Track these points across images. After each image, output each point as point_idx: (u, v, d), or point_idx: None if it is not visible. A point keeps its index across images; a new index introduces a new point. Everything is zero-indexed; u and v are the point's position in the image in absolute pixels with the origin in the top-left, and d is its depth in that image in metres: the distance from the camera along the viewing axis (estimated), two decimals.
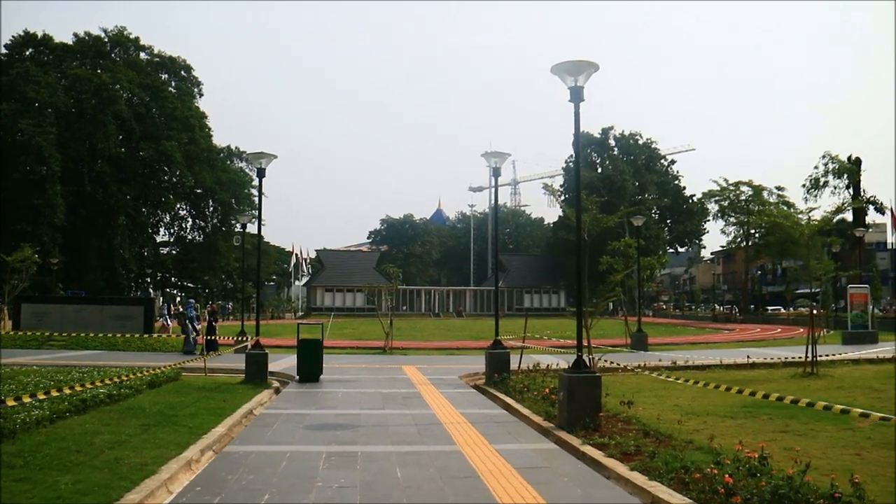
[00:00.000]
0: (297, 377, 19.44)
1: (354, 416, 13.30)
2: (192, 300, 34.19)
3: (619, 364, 19.23)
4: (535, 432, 11.96)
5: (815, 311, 23.25)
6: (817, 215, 38.40)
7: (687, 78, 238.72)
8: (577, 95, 12.22)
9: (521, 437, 11.44)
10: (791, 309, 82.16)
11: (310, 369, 19.40)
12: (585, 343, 14.28)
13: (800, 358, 22.85)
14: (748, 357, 23.83)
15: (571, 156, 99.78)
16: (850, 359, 24.79)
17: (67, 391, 11.14)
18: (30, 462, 8.62)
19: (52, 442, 9.73)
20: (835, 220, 42.94)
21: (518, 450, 10.37)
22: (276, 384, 18.54)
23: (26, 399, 9.75)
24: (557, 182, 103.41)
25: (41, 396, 10.21)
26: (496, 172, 19.04)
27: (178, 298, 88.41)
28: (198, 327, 29.47)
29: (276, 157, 18.93)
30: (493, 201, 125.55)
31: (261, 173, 19.30)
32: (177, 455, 9.34)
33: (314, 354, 19.63)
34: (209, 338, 27.23)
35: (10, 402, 8.88)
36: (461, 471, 9.02)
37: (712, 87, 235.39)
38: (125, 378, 14.48)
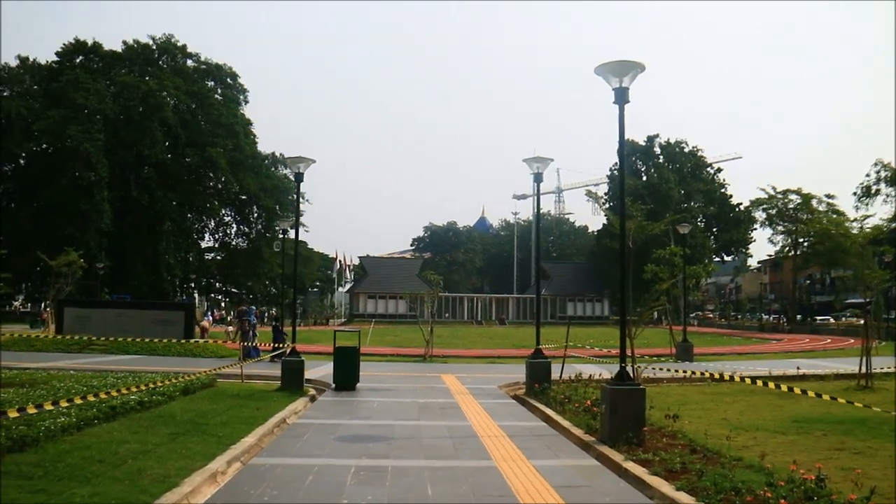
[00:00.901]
0: (334, 385, 19.11)
1: (388, 428, 12.89)
2: (254, 306, 34.03)
3: (667, 371, 18.53)
4: (575, 447, 11.47)
5: (866, 322, 22.30)
6: (870, 223, 37.46)
7: (733, 84, 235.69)
8: (621, 97, 11.72)
9: (560, 452, 10.95)
10: (841, 319, 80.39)
11: (346, 377, 19.07)
12: (629, 353, 13.72)
13: (852, 370, 22.08)
14: (798, 368, 23.01)
15: (616, 163, 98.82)
16: None
17: (93, 398, 10.85)
18: (49, 472, 8.32)
19: (75, 451, 9.45)
20: (887, 229, 41.73)
21: (557, 466, 9.89)
22: (312, 392, 18.24)
23: (48, 406, 9.50)
24: (602, 190, 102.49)
25: (63, 404, 9.88)
26: (538, 178, 18.54)
27: (223, 303, 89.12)
28: (257, 333, 29.19)
29: (314, 161, 18.66)
30: (535, 207, 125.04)
31: (299, 177, 19.03)
32: (202, 466, 9.01)
33: (351, 362, 19.28)
34: (276, 345, 27.12)
35: (31, 410, 8.63)
36: (495, 489, 8.56)
37: (759, 94, 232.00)
38: (158, 384, 14.26)
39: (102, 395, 11.30)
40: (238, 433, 11.40)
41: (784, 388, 9.81)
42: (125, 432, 11.06)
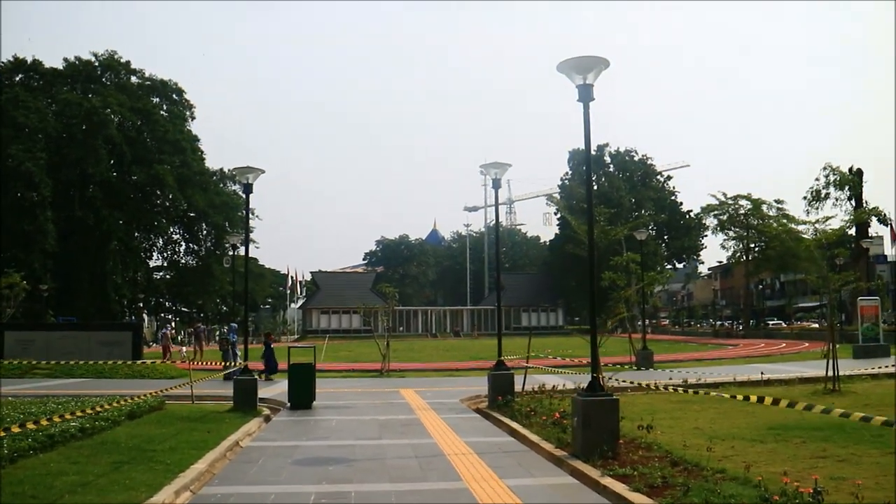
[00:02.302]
0: (289, 404, 18.34)
1: (349, 448, 12.18)
2: (235, 324, 32.96)
3: (632, 383, 18.03)
4: (547, 462, 10.88)
5: (829, 325, 22.16)
6: (824, 227, 37.58)
7: (679, 93, 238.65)
8: (586, 94, 11.22)
9: (533, 470, 10.34)
10: (794, 322, 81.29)
11: (301, 396, 18.30)
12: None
13: (816, 374, 21.95)
14: (762, 374, 22.75)
15: (567, 173, 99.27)
16: (869, 374, 23.74)
17: (29, 426, 9.95)
18: None
19: (6, 487, 8.58)
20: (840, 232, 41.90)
21: (532, 486, 9.27)
22: (266, 412, 17.45)
23: None
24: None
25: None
26: (496, 183, 18.05)
27: (173, 323, 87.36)
28: (238, 352, 28.07)
29: (263, 171, 17.97)
30: (495, 212, 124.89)
31: (247, 189, 18.34)
32: (147, 498, 8.27)
33: (306, 380, 18.53)
34: (226, 364, 26.36)
35: None
36: None
37: (704, 102, 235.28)
38: (101, 409, 13.39)
39: (42, 422, 10.31)
40: (188, 459, 10.63)
41: (767, 401, 9.26)
42: (64, 463, 10.22)
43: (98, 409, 12.57)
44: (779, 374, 23.97)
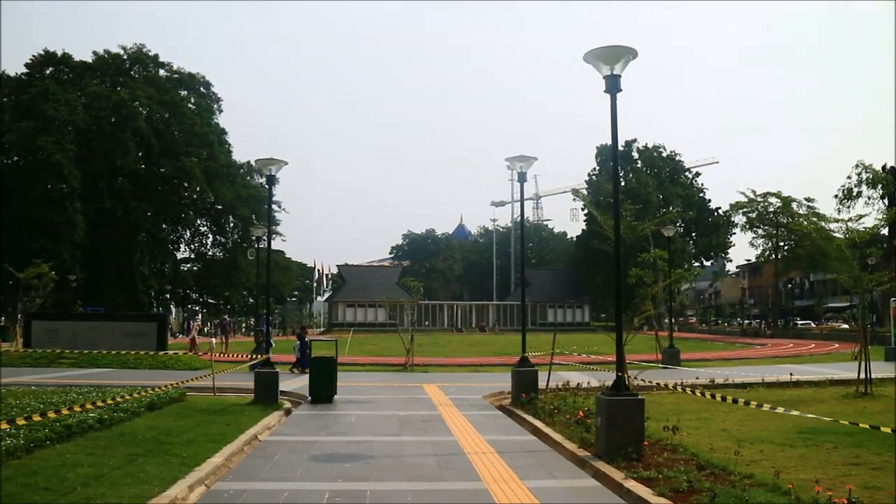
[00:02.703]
0: (310, 398, 18.20)
1: (367, 445, 11.99)
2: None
3: (657, 384, 17.69)
4: (569, 463, 10.62)
5: (862, 326, 21.66)
6: (856, 226, 36.83)
7: (708, 89, 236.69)
8: (613, 85, 10.93)
9: (555, 471, 10.07)
10: (824, 323, 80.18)
11: (322, 390, 18.15)
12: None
13: (846, 376, 21.54)
14: (791, 375, 22.33)
15: (595, 168, 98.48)
16: None
17: (39, 417, 9.82)
18: None
19: (18, 477, 8.50)
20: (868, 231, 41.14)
21: (553, 488, 9.01)
22: (287, 405, 17.29)
23: None
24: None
25: (4, 426, 8.90)
26: (522, 177, 17.77)
27: (200, 315, 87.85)
28: (273, 344, 28.01)
29: (286, 163, 17.78)
30: (520, 207, 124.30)
31: (270, 180, 18.23)
32: (160, 492, 8.12)
33: (327, 374, 18.37)
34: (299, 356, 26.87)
35: None
36: None
37: (734, 99, 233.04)
38: (121, 400, 13.31)
39: (51, 414, 10.19)
40: (204, 453, 10.49)
41: (795, 412, 8.94)
42: (79, 454, 10.12)
43: (118, 399, 12.51)
44: (808, 375, 23.51)
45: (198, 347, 36.95)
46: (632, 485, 8.67)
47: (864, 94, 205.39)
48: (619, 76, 10.93)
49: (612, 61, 10.85)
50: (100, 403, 12.20)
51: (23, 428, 10.24)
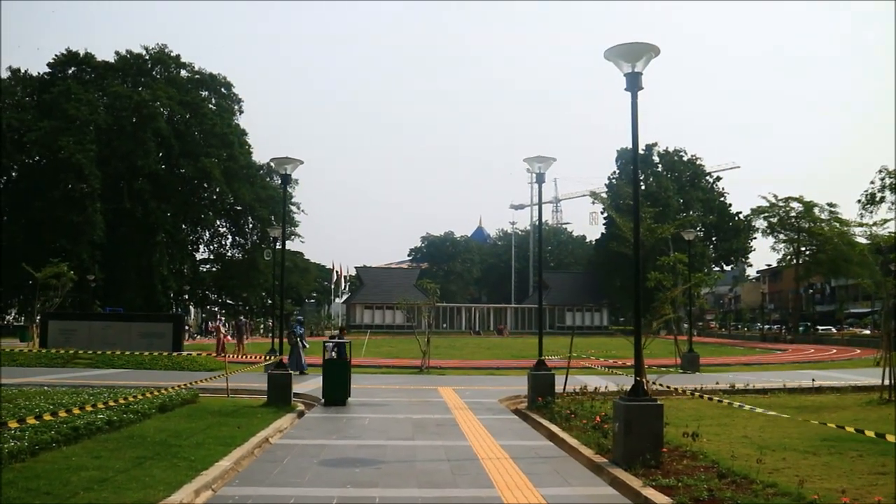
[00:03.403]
0: (323, 400, 17.98)
1: (379, 449, 11.74)
2: (301, 317, 32.81)
3: (675, 389, 17.34)
4: (585, 470, 10.33)
5: (885, 332, 21.20)
6: (879, 231, 36.22)
7: (729, 93, 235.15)
8: (634, 83, 10.66)
9: (571, 478, 9.77)
10: (845, 328, 79.19)
11: (335, 392, 17.91)
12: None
13: (869, 382, 21.15)
14: (813, 380, 21.90)
15: (615, 172, 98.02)
16: None
17: (51, 416, 9.64)
18: None
19: (20, 481, 8.30)
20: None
21: (569, 496, 8.72)
22: (300, 407, 17.08)
23: None
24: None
25: (14, 424, 8.74)
26: (540, 178, 17.50)
27: (220, 315, 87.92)
28: (307, 345, 27.73)
29: (301, 162, 17.61)
30: (538, 208, 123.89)
31: (286, 179, 18.05)
32: (164, 497, 7.92)
33: (341, 375, 18.14)
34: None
35: None
36: None
37: (757, 105, 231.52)
38: (132, 400, 13.13)
39: (62, 414, 10.03)
40: (213, 456, 10.30)
41: (815, 421, 8.56)
42: (85, 457, 9.93)
43: (130, 400, 12.33)
44: (831, 381, 23.06)
45: (225, 349, 36.54)
46: (650, 493, 8.40)
47: (887, 98, 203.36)
48: (641, 74, 10.67)
49: (633, 59, 10.59)
50: (111, 404, 12.04)
51: (28, 429, 10.08)
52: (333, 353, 27.32)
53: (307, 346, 27.31)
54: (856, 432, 9.08)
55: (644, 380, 13.38)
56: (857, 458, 10.49)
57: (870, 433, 7.94)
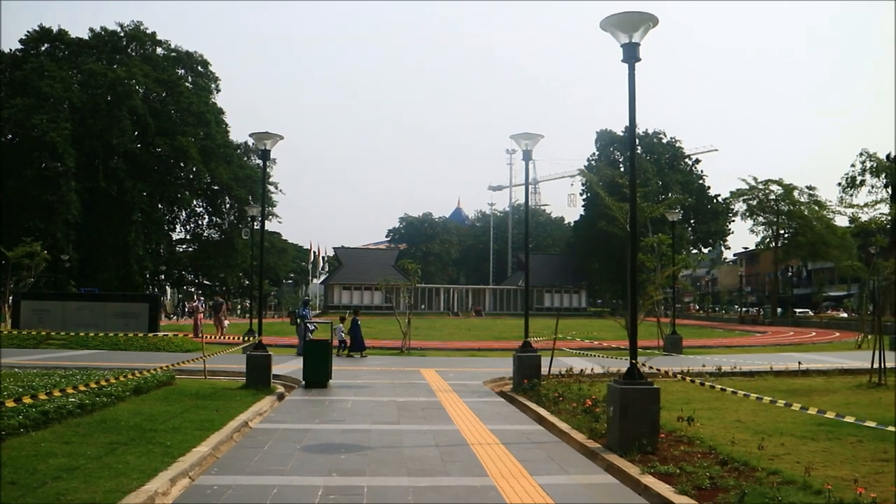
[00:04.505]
0: (304, 382, 17.53)
1: (363, 434, 11.30)
2: (308, 298, 32.22)
3: (665, 372, 17.01)
4: (580, 456, 9.95)
5: (876, 315, 21.03)
6: (865, 215, 36.12)
7: (707, 79, 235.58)
8: (631, 54, 10.23)
9: (566, 465, 9.36)
10: (823, 311, 79.65)
11: (316, 374, 17.45)
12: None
13: (855, 365, 21.03)
14: (800, 364, 21.69)
15: (594, 154, 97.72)
16: None
17: (28, 400, 9.07)
18: None
19: None
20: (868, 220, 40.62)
21: (567, 485, 8.30)
22: (280, 389, 16.59)
23: None
24: (578, 181, 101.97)
25: None
26: (527, 155, 17.07)
27: (196, 296, 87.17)
28: (311, 328, 27.12)
29: (281, 137, 17.09)
30: (516, 191, 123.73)
31: (265, 155, 17.51)
32: (139, 487, 7.45)
33: (322, 357, 17.68)
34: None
35: None
36: None
37: (732, 89, 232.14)
38: (106, 383, 12.61)
39: (35, 397, 9.42)
40: (190, 441, 9.83)
41: (831, 414, 8.08)
42: (55, 443, 9.43)
43: (102, 383, 11.82)
44: (815, 364, 22.82)
45: (202, 330, 35.91)
46: (650, 481, 8.03)
47: (865, 86, 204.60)
48: (638, 45, 10.25)
49: (630, 29, 10.15)
50: (82, 387, 11.51)
51: None
52: (342, 335, 27.03)
53: (316, 327, 26.68)
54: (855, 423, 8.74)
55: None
56: (858, 444, 10.18)
57: (891, 429, 7.57)
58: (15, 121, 64.34)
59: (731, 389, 10.51)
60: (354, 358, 25.87)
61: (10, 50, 73.26)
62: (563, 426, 11.61)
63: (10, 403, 8.27)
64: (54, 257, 52.45)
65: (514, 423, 12.69)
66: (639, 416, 9.61)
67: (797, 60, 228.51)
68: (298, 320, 27.23)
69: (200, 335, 30.01)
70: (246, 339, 25.75)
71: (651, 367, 15.07)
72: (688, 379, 13.53)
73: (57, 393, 10.25)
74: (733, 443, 9.78)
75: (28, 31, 73.08)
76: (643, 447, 9.30)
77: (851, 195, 61.06)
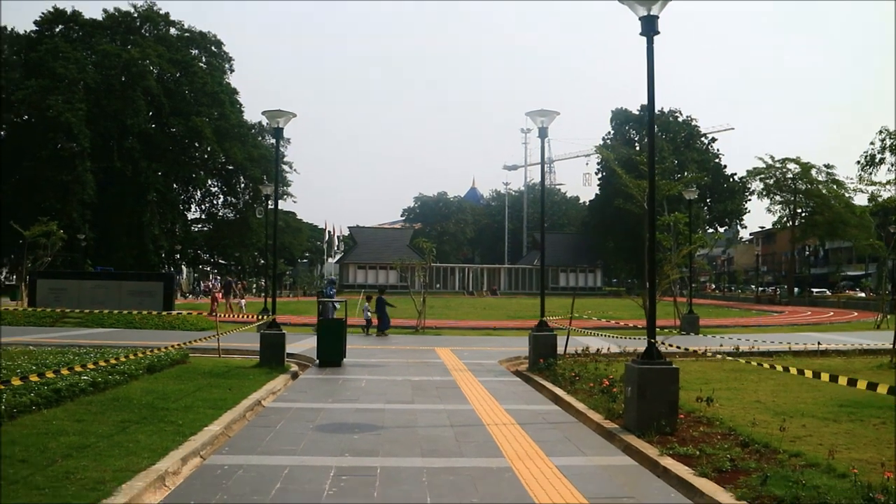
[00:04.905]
0: (317, 361, 17.43)
1: (377, 414, 11.18)
2: (334, 278, 32.09)
3: (686, 349, 16.78)
4: (597, 436, 9.78)
5: (889, 294, 20.74)
6: (883, 194, 35.66)
7: (723, 56, 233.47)
8: (650, 27, 9.97)
9: (582, 446, 9.20)
10: (841, 291, 78.94)
11: (330, 353, 17.35)
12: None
13: (876, 345, 20.70)
14: (819, 344, 21.42)
15: (609, 132, 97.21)
16: None
17: (35, 378, 8.98)
18: None
19: None
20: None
21: (585, 467, 8.13)
22: (294, 368, 16.52)
23: None
24: (593, 161, 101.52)
25: None
26: (543, 132, 16.83)
27: (212, 275, 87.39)
28: (339, 307, 26.97)
29: (294, 115, 16.95)
30: (530, 169, 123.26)
31: (278, 133, 17.41)
32: (149, 466, 7.34)
33: (336, 336, 17.57)
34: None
35: None
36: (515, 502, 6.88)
37: (754, 68, 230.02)
38: (118, 361, 12.51)
39: (48, 374, 9.33)
40: (202, 420, 9.73)
41: (861, 384, 7.76)
42: (67, 421, 9.34)
43: (115, 361, 11.74)
44: (834, 344, 22.54)
45: (218, 307, 35.90)
46: (668, 462, 7.86)
47: (889, 62, 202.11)
48: (657, 17, 9.99)
49: (649, 1, 9.89)
50: (92, 365, 11.41)
51: (6, 391, 9.49)
52: (369, 314, 26.99)
53: (337, 307, 26.50)
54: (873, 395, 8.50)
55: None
56: (881, 426, 9.93)
57: None
58: (30, 102, 64.49)
59: (795, 369, 10.21)
60: (380, 336, 25.99)
61: (25, 31, 73.42)
62: (580, 406, 11.46)
63: (15, 381, 8.19)
64: (70, 237, 52.72)
65: (530, 403, 12.54)
66: (657, 396, 9.43)
67: (816, 35, 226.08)
68: (329, 304, 27.05)
69: (215, 314, 29.99)
70: (260, 317, 25.70)
71: (672, 346, 14.87)
72: (716, 356, 13.32)
73: (65, 372, 10.17)
74: (754, 424, 9.58)
75: (42, 13, 73.12)
76: (661, 428, 9.13)
77: (871, 173, 60.21)
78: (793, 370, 9.37)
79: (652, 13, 9.96)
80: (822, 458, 7.68)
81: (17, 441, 8.10)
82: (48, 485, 6.56)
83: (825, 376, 8.06)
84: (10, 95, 65.53)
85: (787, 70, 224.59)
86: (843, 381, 7.82)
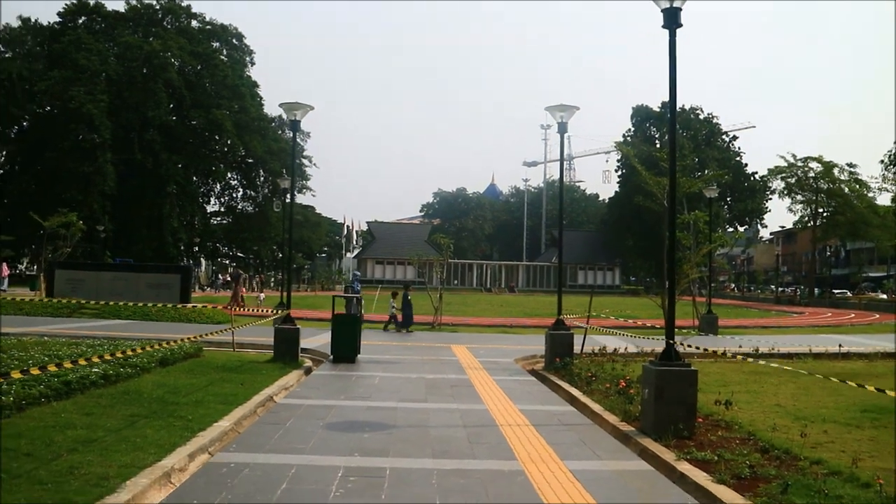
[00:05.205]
0: (331, 357, 17.30)
1: (389, 412, 11.00)
2: (358, 272, 31.92)
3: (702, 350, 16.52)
4: (612, 439, 9.58)
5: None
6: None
7: (749, 55, 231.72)
8: (673, 19, 9.75)
9: (598, 449, 8.99)
10: (862, 293, 78.10)
11: (344, 348, 17.19)
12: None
13: None
14: (840, 346, 21.10)
15: (630, 129, 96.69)
16: None
17: (35, 371, 8.87)
18: None
19: (1, 440, 7.62)
20: None
21: (599, 471, 7.93)
22: (308, 363, 16.43)
23: None
24: (613, 158, 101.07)
25: None
26: (562, 128, 16.58)
27: (231, 268, 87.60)
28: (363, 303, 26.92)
29: (311, 107, 16.80)
30: (549, 165, 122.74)
31: (295, 125, 17.29)
32: (155, 462, 7.22)
33: (351, 331, 17.40)
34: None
35: None
36: None
37: (775, 66, 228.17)
38: (131, 353, 12.38)
39: (51, 368, 9.18)
40: (212, 415, 9.62)
41: (892, 392, 7.58)
42: (75, 414, 9.24)
43: (128, 353, 11.62)
44: (856, 346, 22.18)
45: (244, 301, 35.96)
46: (686, 468, 7.66)
47: None
48: (680, 9, 9.77)
49: None
50: (108, 357, 11.29)
51: (16, 383, 9.39)
52: (394, 310, 26.90)
53: (363, 303, 26.52)
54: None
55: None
56: None
57: None
58: (52, 93, 64.98)
59: (821, 374, 9.99)
60: (403, 333, 26.05)
61: (49, 23, 73.90)
62: (596, 407, 11.26)
63: (15, 374, 8.06)
64: (90, 228, 52.90)
65: (546, 404, 12.34)
66: (675, 398, 9.22)
67: (838, 32, 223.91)
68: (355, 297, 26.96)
69: (233, 307, 29.94)
70: (276, 311, 25.61)
71: (692, 346, 14.61)
72: (738, 357, 13.08)
73: (82, 362, 10.06)
74: (774, 429, 9.34)
75: (66, 5, 73.52)
76: (679, 431, 8.92)
77: (895, 173, 59.59)
78: (818, 375, 9.12)
79: (674, 5, 9.75)
80: (845, 467, 7.46)
81: (23, 434, 8.00)
82: (51, 479, 6.45)
83: (852, 382, 7.82)
84: (33, 86, 65.96)
85: (808, 70, 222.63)
86: (870, 387, 7.59)
